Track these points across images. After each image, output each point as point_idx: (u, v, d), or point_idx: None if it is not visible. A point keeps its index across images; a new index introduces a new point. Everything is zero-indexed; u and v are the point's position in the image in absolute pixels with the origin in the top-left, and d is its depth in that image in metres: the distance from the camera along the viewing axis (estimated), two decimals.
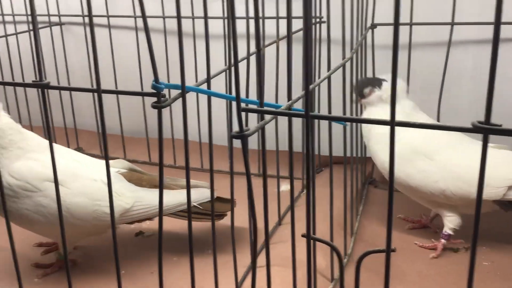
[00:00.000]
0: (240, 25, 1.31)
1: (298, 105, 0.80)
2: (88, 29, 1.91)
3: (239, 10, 1.49)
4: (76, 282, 1.21)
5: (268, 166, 1.00)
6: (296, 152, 1.42)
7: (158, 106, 0.68)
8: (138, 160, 1.85)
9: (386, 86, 1.30)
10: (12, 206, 1.13)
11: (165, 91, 0.71)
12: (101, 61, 0.67)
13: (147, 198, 1.25)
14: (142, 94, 0.68)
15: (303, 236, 0.70)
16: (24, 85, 0.76)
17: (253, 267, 0.73)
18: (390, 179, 0.58)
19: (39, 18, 1.94)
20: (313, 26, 1.46)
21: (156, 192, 1.28)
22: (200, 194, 1.30)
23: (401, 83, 1.32)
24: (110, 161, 1.32)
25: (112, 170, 1.28)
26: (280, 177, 1.50)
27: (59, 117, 1.95)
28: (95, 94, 0.65)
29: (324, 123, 1.51)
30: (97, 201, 1.19)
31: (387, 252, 0.62)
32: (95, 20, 1.93)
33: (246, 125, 0.66)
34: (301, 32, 1.41)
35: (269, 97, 0.94)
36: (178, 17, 0.67)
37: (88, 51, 1.87)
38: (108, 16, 1.84)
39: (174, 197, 1.28)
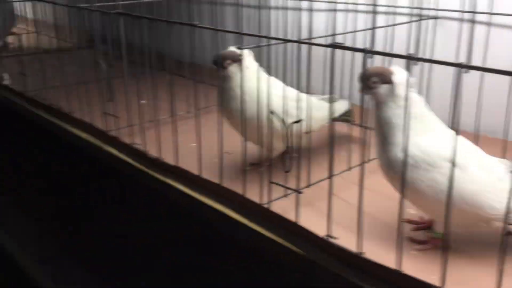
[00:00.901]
0: None
1: None
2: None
3: None
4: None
5: None
6: None
7: None
8: None
9: None
10: (409, 176, 1.22)
11: None
12: None
13: None
14: None
15: None
16: (444, 63, 0.82)
17: None
18: None
19: (414, 11, 2.04)
20: None
21: None
22: None
23: None
24: (497, 159, 1.32)
25: (502, 167, 1.28)
26: None
27: None
28: None
29: None
30: (487, 193, 1.21)
31: None
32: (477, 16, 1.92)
33: None
34: None
35: None
36: None
37: (459, 46, 1.89)
38: None
39: None
